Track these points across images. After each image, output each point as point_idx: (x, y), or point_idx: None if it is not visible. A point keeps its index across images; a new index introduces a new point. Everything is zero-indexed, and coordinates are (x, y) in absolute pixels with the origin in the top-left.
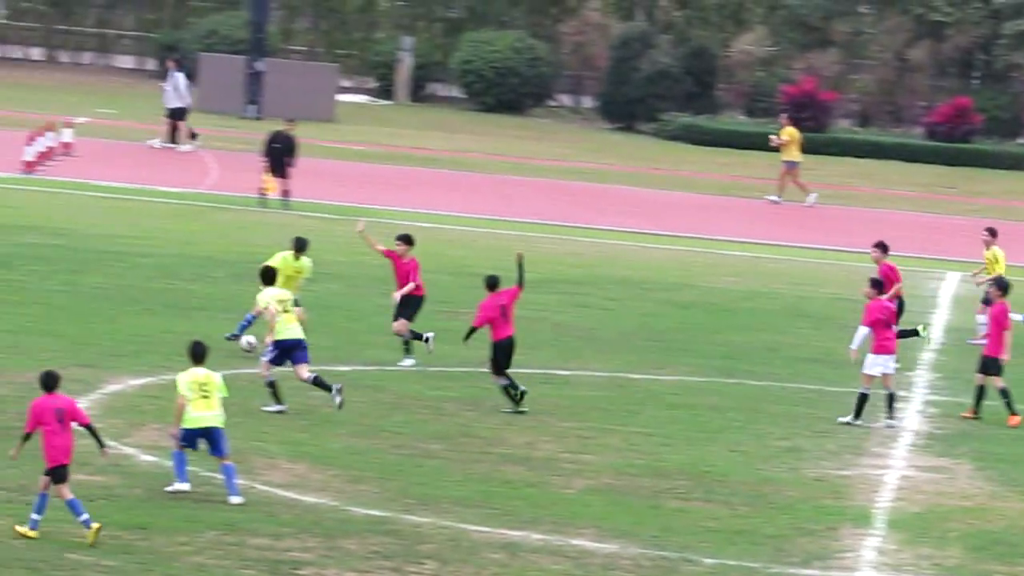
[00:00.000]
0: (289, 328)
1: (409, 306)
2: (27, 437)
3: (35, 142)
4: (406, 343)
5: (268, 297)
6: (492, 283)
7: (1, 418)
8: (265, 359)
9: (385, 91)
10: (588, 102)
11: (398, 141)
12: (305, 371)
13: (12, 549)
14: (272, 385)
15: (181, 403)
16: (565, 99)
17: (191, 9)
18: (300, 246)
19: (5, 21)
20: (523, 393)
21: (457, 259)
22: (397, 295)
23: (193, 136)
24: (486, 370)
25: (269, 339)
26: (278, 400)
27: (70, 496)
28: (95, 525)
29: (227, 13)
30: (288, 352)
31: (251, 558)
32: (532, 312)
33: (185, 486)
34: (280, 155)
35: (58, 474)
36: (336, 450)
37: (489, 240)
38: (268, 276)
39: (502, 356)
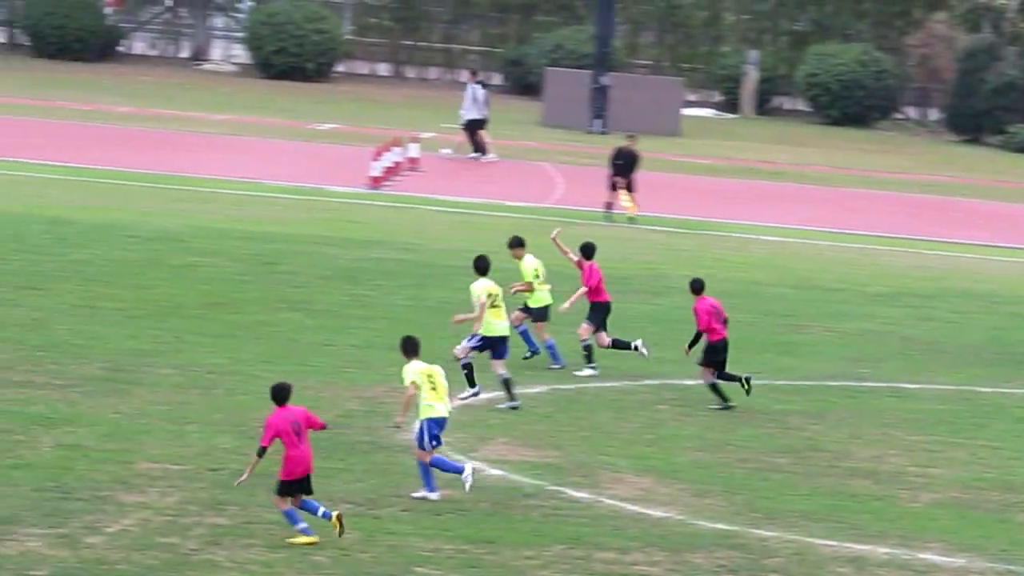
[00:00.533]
0: (497, 323)
1: (597, 312)
2: (262, 452)
3: (382, 157)
4: (587, 351)
5: (481, 289)
6: (697, 287)
7: (349, 433)
8: (468, 344)
9: (730, 105)
10: (934, 114)
11: (744, 155)
12: (501, 367)
13: (359, 563)
14: (467, 367)
15: (412, 392)
16: (911, 112)
17: (537, 24)
18: (513, 244)
19: (351, 37)
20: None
21: (801, 272)
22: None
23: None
24: (828, 382)
25: (477, 328)
26: (471, 383)
27: (286, 507)
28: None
29: (573, 28)
30: (492, 346)
31: (598, 572)
32: (879, 325)
33: (434, 495)
34: (623, 170)
35: (285, 487)
36: (682, 464)
37: (834, 253)
38: (482, 266)
39: (717, 357)
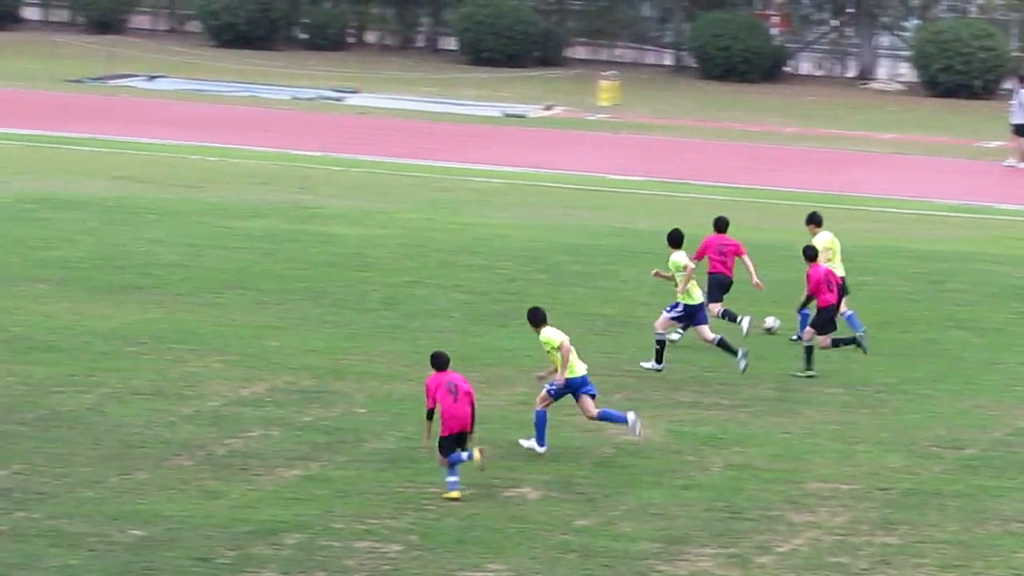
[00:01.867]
0: (694, 293)
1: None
2: (430, 414)
3: None
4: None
5: (685, 260)
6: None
7: (1021, 451)
8: (669, 315)
9: None
10: None
11: None
12: (709, 333)
13: None
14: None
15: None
16: None
17: None
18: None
19: (1019, 54)
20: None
21: None
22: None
23: None
24: None
25: (680, 298)
26: (658, 359)
27: (454, 458)
28: (454, 493)
29: None
30: (691, 316)
31: None
32: None
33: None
34: None
35: (444, 442)
36: None
37: None
38: (675, 239)
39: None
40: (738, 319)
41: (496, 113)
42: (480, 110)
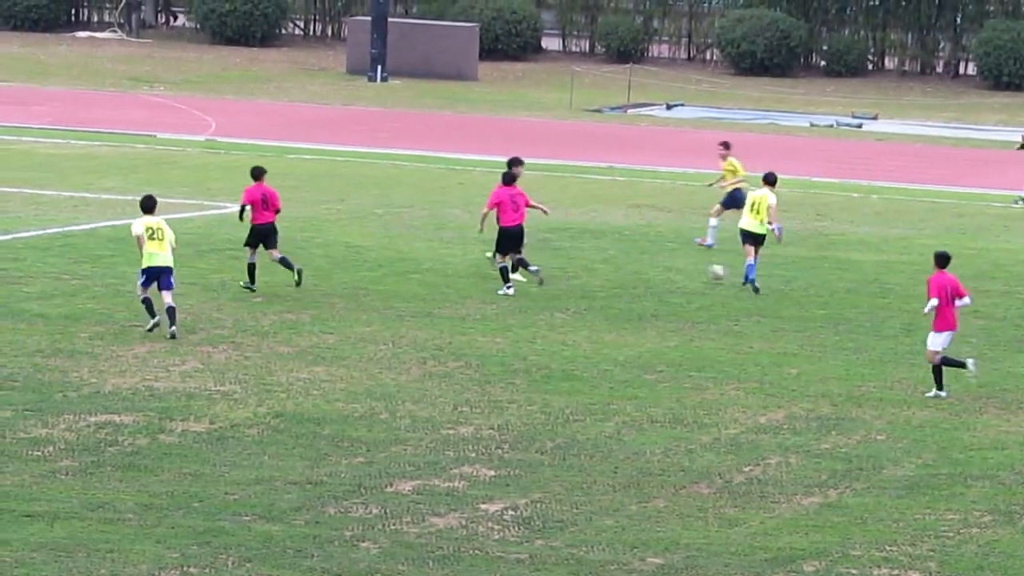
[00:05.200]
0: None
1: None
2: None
3: None
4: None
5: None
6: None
7: None
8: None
9: None
10: None
11: None
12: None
13: None
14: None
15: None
16: None
17: None
18: None
19: None
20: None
21: None
22: None
23: None
24: None
25: None
26: None
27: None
28: None
29: None
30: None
31: None
32: None
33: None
34: None
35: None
36: None
37: None
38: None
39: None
40: None
41: (1017, 138)
42: (1000, 135)
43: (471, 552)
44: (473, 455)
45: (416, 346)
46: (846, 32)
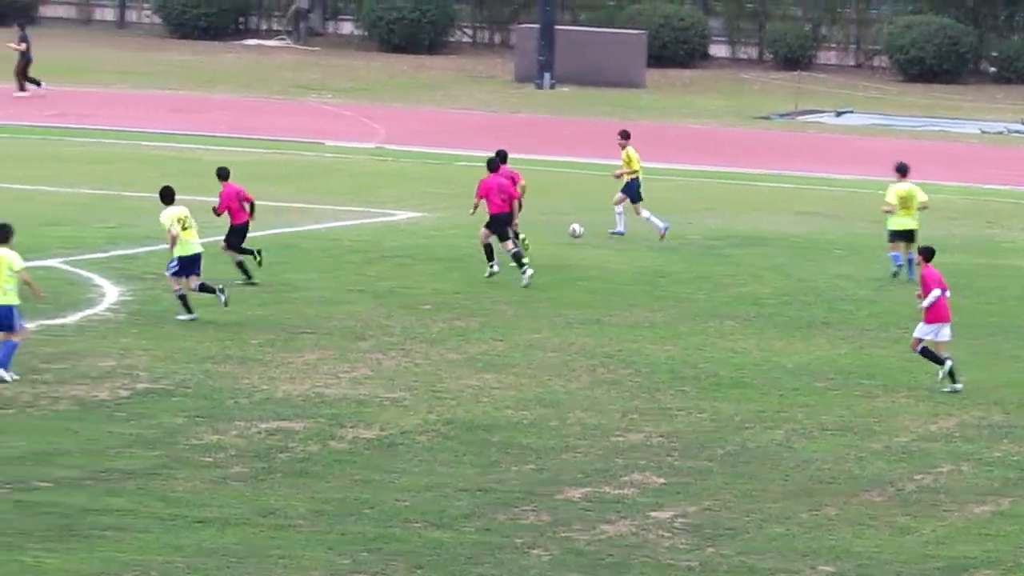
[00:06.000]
0: None
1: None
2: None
3: None
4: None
5: None
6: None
7: None
8: None
9: None
10: None
11: None
12: None
13: None
14: None
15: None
16: None
17: None
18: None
19: None
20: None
21: None
22: None
23: None
24: None
25: None
26: None
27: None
28: None
29: None
30: None
31: None
32: None
33: None
34: None
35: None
36: None
37: None
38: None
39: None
40: None
41: None
42: None
43: (641, 559)
44: (643, 462)
45: (585, 353)
46: (1015, 38)
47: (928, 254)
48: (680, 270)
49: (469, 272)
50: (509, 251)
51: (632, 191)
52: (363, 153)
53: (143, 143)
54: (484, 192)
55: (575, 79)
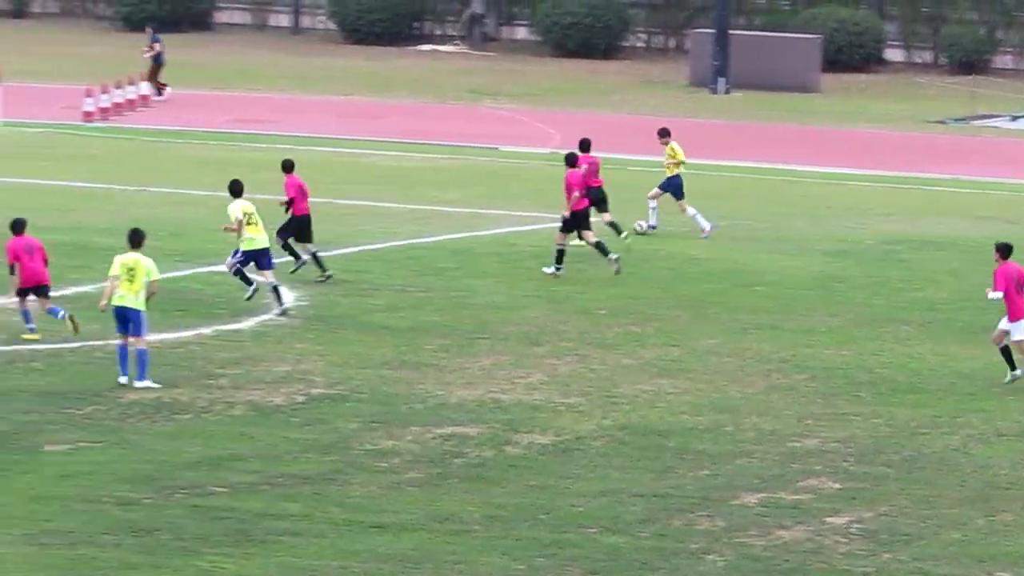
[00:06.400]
0: None
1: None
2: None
3: None
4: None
5: None
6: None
7: None
8: None
9: None
10: None
11: None
12: None
13: None
14: None
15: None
16: None
17: None
18: None
19: None
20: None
21: None
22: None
23: None
24: None
25: None
26: None
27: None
28: None
29: None
30: None
31: None
32: None
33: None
34: None
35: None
36: None
37: None
38: None
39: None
40: None
41: None
42: None
43: (817, 565)
44: (819, 468)
45: (761, 358)
46: None
47: (1005, 251)
48: (856, 275)
49: (644, 277)
50: (591, 242)
51: (675, 187)
52: (538, 158)
53: (316, 148)
54: (576, 185)
55: (750, 84)
